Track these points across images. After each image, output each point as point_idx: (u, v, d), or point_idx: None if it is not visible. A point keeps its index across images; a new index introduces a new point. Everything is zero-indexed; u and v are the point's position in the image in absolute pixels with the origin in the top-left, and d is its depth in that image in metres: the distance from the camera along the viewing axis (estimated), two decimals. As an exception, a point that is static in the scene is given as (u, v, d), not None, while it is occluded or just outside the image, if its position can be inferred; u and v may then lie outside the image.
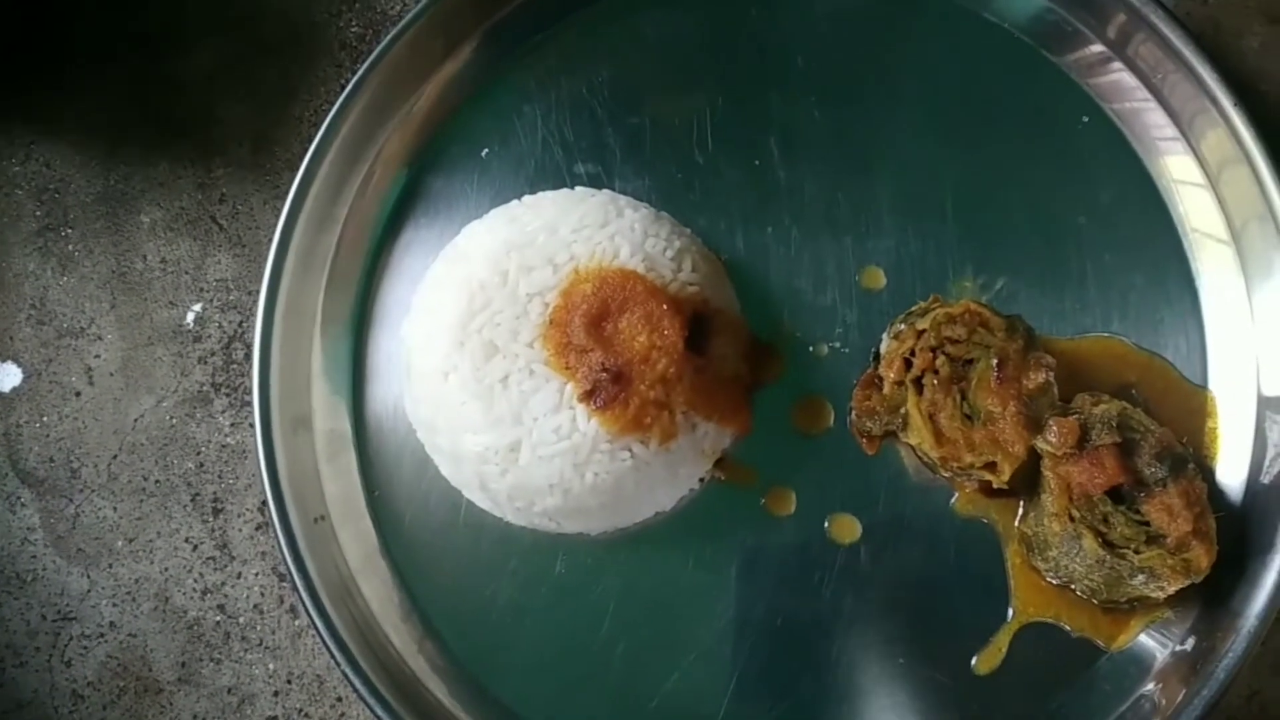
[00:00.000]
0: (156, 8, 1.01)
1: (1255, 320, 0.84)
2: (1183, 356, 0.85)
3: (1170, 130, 0.87)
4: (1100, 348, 0.86)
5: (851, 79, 0.91)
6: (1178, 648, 0.80)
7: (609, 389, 0.78)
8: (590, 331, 0.79)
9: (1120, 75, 0.88)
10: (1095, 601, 0.81)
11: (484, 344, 0.81)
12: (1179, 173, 0.87)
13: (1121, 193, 0.88)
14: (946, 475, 0.84)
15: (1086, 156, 0.88)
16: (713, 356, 0.81)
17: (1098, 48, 0.88)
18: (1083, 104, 0.89)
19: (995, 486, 0.81)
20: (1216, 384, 0.85)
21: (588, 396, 0.78)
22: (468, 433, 0.81)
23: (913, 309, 0.85)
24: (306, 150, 0.89)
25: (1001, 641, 0.82)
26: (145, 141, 0.99)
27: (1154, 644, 0.81)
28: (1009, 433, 0.79)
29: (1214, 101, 0.83)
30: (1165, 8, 0.84)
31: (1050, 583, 0.82)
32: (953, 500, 0.85)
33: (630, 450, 0.80)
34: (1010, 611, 0.83)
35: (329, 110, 0.90)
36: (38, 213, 0.99)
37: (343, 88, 0.92)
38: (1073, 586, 0.81)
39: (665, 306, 0.79)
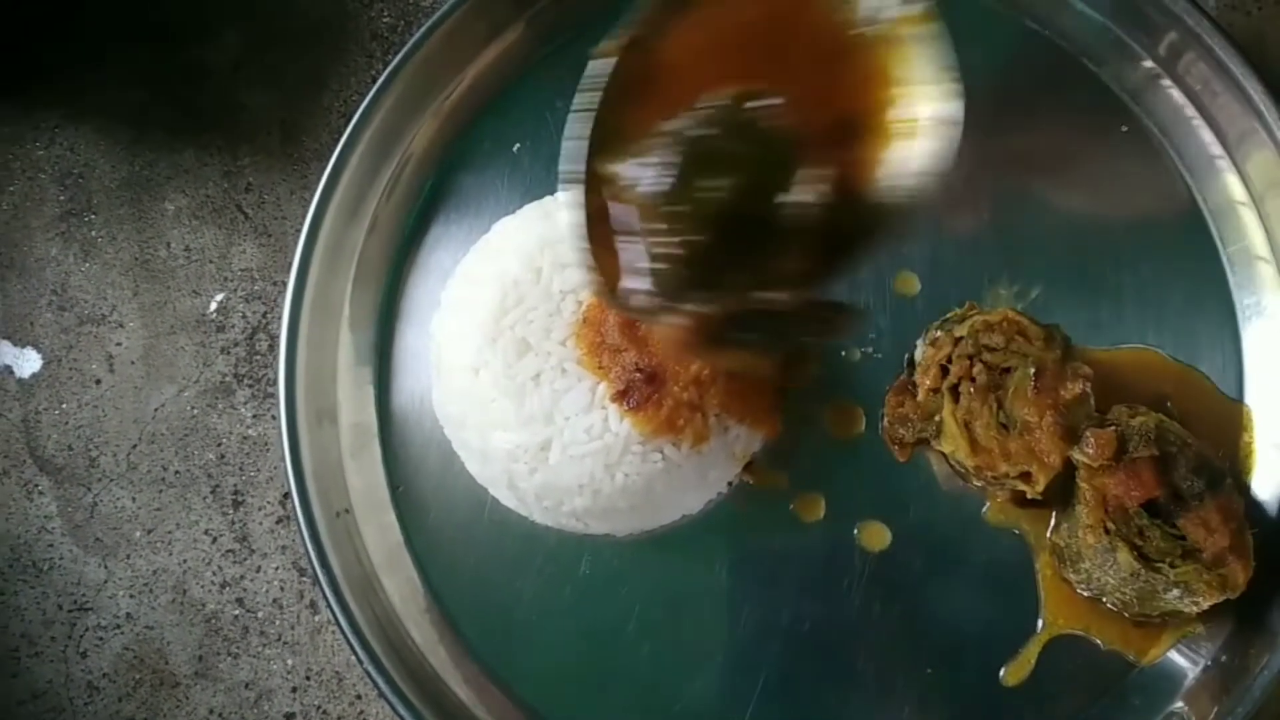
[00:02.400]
0: (181, -3, 1.00)
1: (1294, 331, 0.83)
2: (1218, 369, 0.85)
3: (1216, 149, 0.86)
4: (1135, 359, 0.85)
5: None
6: (1209, 664, 0.80)
7: (643, 389, 0.77)
8: (624, 330, 0.78)
9: (1169, 92, 0.87)
10: (1126, 615, 0.80)
11: (516, 341, 0.80)
12: (1223, 191, 0.86)
13: (1160, 203, 0.87)
14: (979, 484, 0.83)
15: (1125, 166, 0.88)
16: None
17: (1147, 64, 0.88)
18: (1122, 112, 0.88)
19: (1029, 497, 0.80)
20: (1253, 398, 0.84)
21: (621, 397, 0.78)
22: (497, 430, 0.80)
23: (949, 315, 0.84)
24: (335, 140, 0.88)
25: (1031, 653, 0.82)
26: (171, 128, 0.98)
27: (1185, 660, 0.80)
28: (1045, 443, 0.78)
29: (1262, 122, 0.82)
30: (1218, 25, 0.83)
31: (1081, 595, 0.81)
32: (984, 509, 0.84)
33: (662, 452, 0.79)
34: (1040, 623, 0.82)
35: (359, 101, 0.89)
36: (61, 197, 0.98)
37: (373, 79, 0.91)
38: (1104, 599, 0.80)
39: (701, 307, 0.78)
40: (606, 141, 0.57)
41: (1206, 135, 0.86)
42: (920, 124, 0.58)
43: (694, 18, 0.57)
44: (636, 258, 0.58)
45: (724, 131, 0.52)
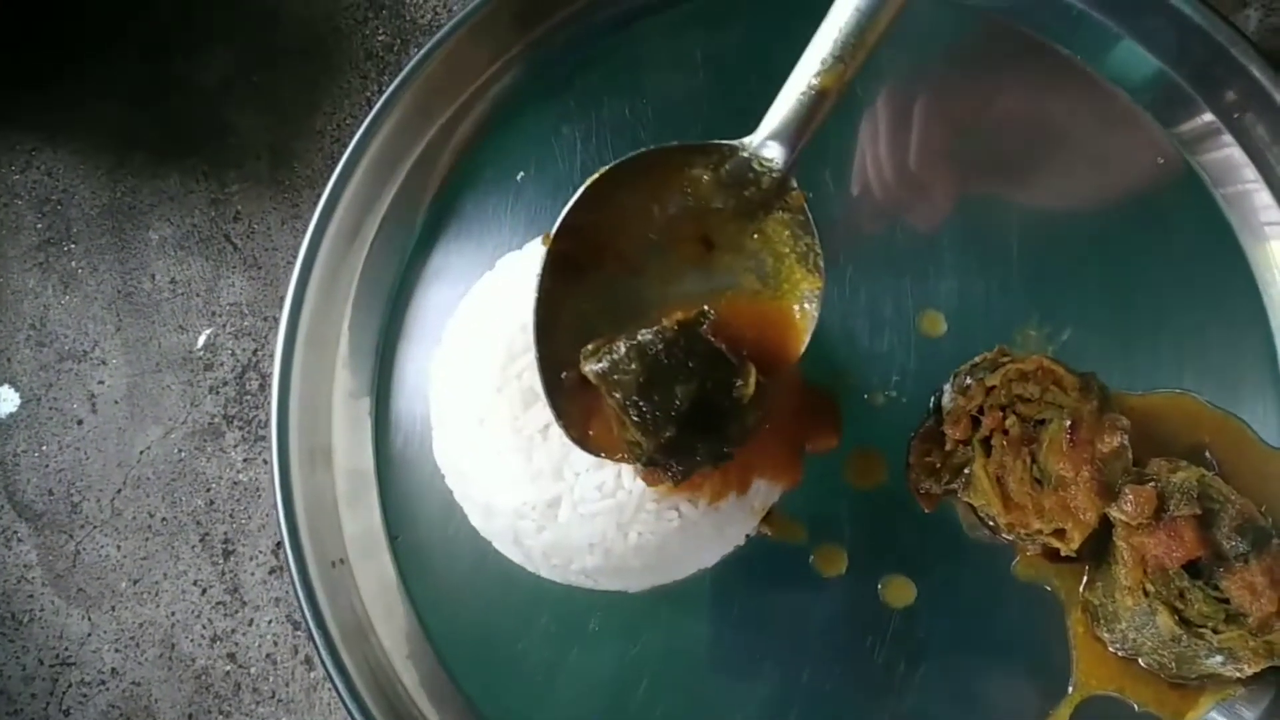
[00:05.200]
0: (165, 9, 0.94)
1: (1337, 381, 0.80)
2: (1259, 417, 0.81)
3: (1269, 206, 0.82)
4: (1172, 405, 0.81)
5: (911, 110, 0.85)
6: (1251, 731, 0.76)
7: (658, 445, 0.73)
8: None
9: (1229, 149, 0.83)
10: (1163, 676, 0.77)
11: (523, 391, 0.75)
12: (1268, 240, 0.82)
13: (1197, 244, 0.83)
14: (1009, 538, 0.79)
15: (1162, 204, 0.84)
16: (769, 411, 0.76)
17: (1207, 116, 0.83)
18: (1157, 146, 0.84)
19: (1063, 554, 0.76)
20: (1295, 447, 0.80)
21: (635, 452, 0.73)
22: (503, 485, 0.76)
23: (978, 361, 0.80)
24: (328, 166, 0.84)
25: (1062, 715, 0.78)
26: (155, 151, 0.93)
27: (1224, 723, 0.77)
28: (1081, 499, 0.74)
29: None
30: (1261, 51, 0.78)
31: (1115, 654, 0.78)
32: (1013, 563, 0.80)
33: (678, 510, 0.75)
34: (1072, 683, 0.78)
35: (353, 124, 0.85)
36: (38, 225, 0.93)
37: (368, 100, 0.87)
38: (1140, 659, 0.77)
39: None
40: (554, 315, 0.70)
41: (1265, 198, 0.82)
42: (802, 309, 0.72)
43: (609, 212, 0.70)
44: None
45: (675, 352, 0.66)
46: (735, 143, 0.70)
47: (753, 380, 0.67)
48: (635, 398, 0.65)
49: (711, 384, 0.66)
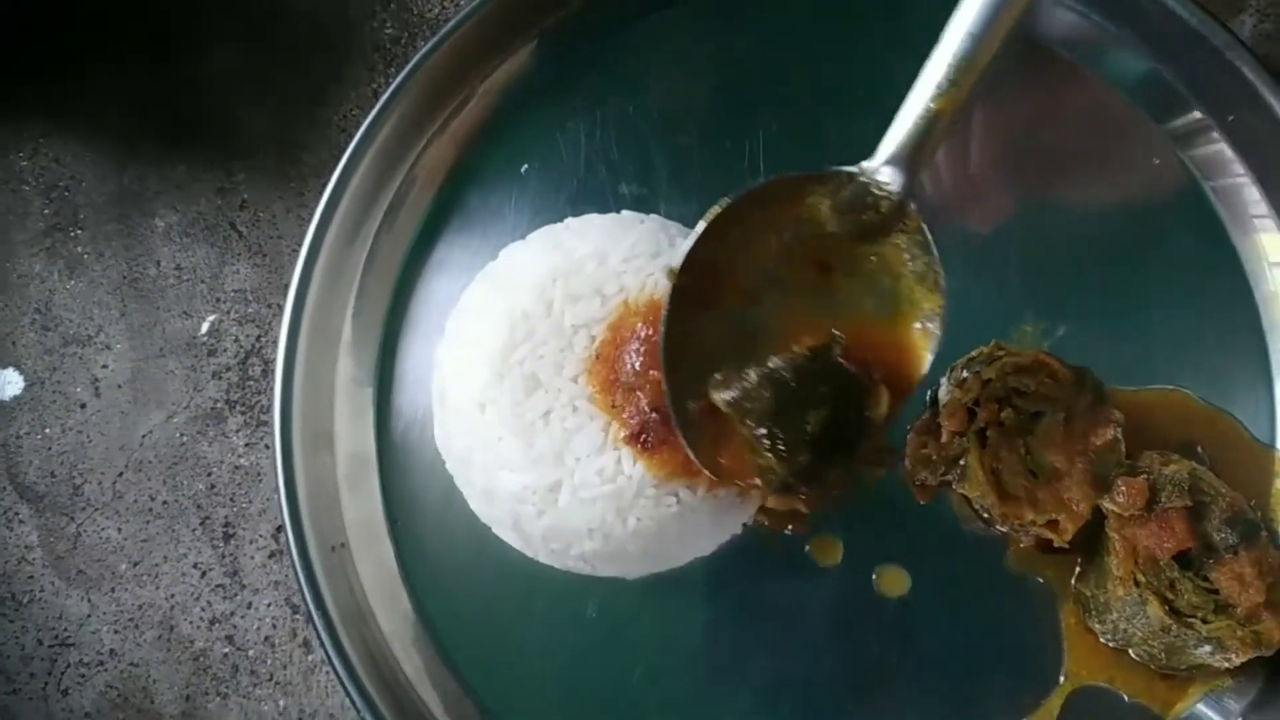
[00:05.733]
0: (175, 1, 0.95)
1: (1328, 379, 0.81)
2: (1250, 413, 0.82)
3: (1262, 208, 0.83)
4: (1165, 401, 0.82)
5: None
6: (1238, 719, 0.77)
7: (659, 431, 0.74)
8: (640, 369, 0.74)
9: (1218, 145, 0.84)
10: (1153, 667, 0.78)
11: (525, 377, 0.76)
12: (1261, 240, 0.83)
13: (1190, 241, 0.84)
14: (1003, 529, 0.80)
15: (1158, 203, 0.85)
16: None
17: (1197, 114, 0.84)
18: (1156, 145, 0.85)
19: (1056, 545, 0.77)
20: (1286, 443, 0.81)
21: (635, 438, 0.74)
22: (504, 470, 0.77)
23: (975, 355, 0.81)
24: (334, 156, 0.85)
25: (1053, 705, 0.79)
26: (162, 141, 0.94)
27: (1213, 715, 0.78)
28: (1075, 491, 0.76)
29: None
30: (1257, 56, 0.79)
31: (1106, 645, 0.79)
32: (1006, 555, 0.81)
33: (677, 496, 0.76)
34: (1063, 673, 0.79)
35: (359, 115, 0.86)
36: (46, 211, 0.94)
37: (375, 92, 0.88)
38: (1130, 650, 0.78)
39: (722, 345, 0.75)
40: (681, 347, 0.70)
41: (1254, 193, 0.83)
42: (924, 327, 0.73)
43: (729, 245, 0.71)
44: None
45: (806, 377, 0.67)
46: (852, 169, 0.70)
47: (885, 401, 0.68)
48: (768, 425, 0.66)
49: (843, 407, 0.67)
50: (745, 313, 0.71)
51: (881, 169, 0.70)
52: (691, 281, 0.70)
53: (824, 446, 0.67)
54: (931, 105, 0.67)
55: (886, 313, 0.72)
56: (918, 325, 0.72)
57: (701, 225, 0.70)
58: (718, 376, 0.68)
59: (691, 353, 0.70)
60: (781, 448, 0.67)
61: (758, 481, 0.70)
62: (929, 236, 0.70)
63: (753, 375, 0.66)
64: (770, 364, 0.66)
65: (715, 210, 0.70)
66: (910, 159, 0.68)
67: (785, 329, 0.71)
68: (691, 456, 0.70)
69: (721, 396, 0.67)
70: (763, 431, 0.66)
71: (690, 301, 0.70)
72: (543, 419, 0.76)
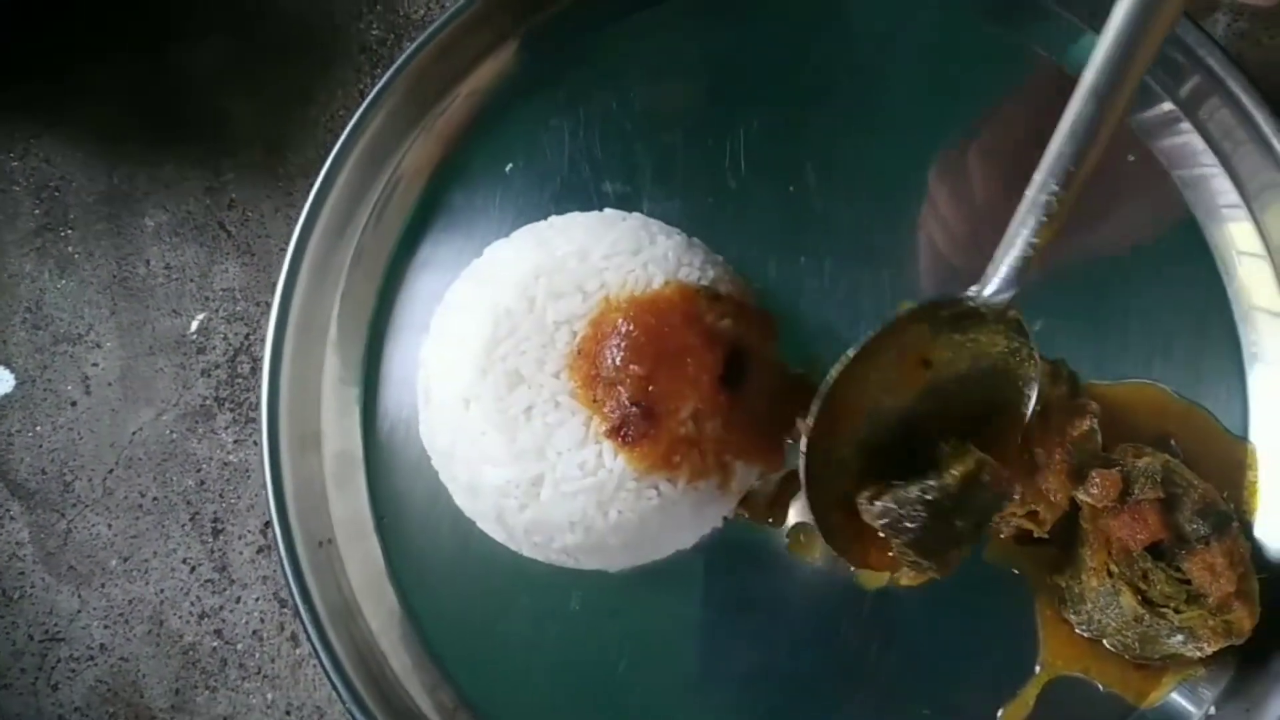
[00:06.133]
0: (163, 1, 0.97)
1: (1299, 371, 0.82)
2: (1223, 405, 0.83)
3: (1233, 197, 0.84)
4: (1139, 394, 0.84)
5: (893, 106, 0.88)
6: (1211, 710, 0.78)
7: (639, 425, 0.75)
8: (620, 364, 0.75)
9: (1188, 136, 0.85)
10: (1127, 657, 0.79)
11: (508, 373, 0.77)
12: (1234, 234, 0.84)
13: (1167, 238, 0.85)
14: (981, 522, 0.81)
15: (1133, 199, 0.86)
16: (747, 392, 0.78)
17: (1166, 105, 0.86)
18: (1128, 144, 0.86)
19: (1035, 536, 0.78)
20: (1258, 435, 0.82)
21: (615, 432, 0.75)
22: (487, 465, 0.78)
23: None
24: (321, 156, 0.86)
25: (1029, 695, 0.80)
26: (151, 141, 0.95)
27: (1186, 703, 0.79)
28: (1052, 482, 0.76)
29: (1274, 160, 0.79)
30: (1230, 56, 0.81)
31: (1081, 636, 0.80)
32: (983, 547, 0.82)
33: (657, 489, 0.77)
34: (1039, 664, 0.80)
35: (346, 115, 0.87)
36: (36, 211, 0.95)
37: (361, 92, 0.89)
38: (1105, 641, 0.79)
39: (701, 340, 0.76)
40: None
41: (1224, 183, 0.84)
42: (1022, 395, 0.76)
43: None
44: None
45: (956, 497, 0.71)
46: (962, 296, 0.73)
47: (1017, 496, 0.74)
48: (919, 539, 0.71)
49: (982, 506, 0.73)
50: (868, 423, 0.74)
51: (993, 295, 0.72)
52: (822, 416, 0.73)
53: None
54: (1035, 241, 0.69)
55: (991, 396, 0.75)
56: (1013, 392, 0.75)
57: (833, 374, 0.72)
58: (864, 498, 0.72)
59: (826, 468, 0.74)
60: (931, 551, 0.72)
61: (903, 569, 0.75)
62: (1025, 324, 0.73)
63: (912, 493, 0.71)
64: (925, 491, 0.70)
65: (848, 356, 0.72)
66: (1015, 281, 0.71)
67: (909, 430, 0.74)
68: (837, 555, 0.75)
69: (875, 521, 0.72)
70: (912, 543, 0.71)
71: (820, 422, 0.73)
72: (525, 414, 0.77)
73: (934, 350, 0.75)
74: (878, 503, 0.72)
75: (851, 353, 0.72)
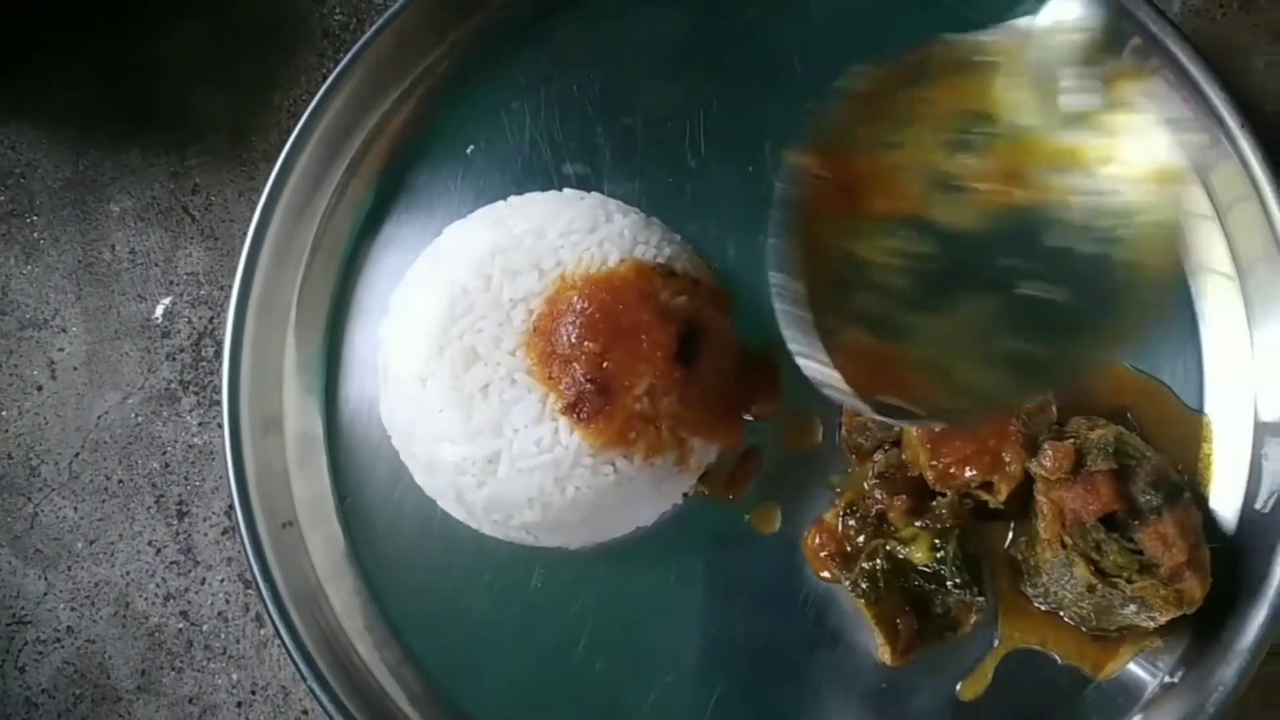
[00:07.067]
0: (129, -13, 0.97)
1: (1255, 344, 0.82)
2: (1180, 380, 0.83)
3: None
4: (1100, 371, 0.84)
5: (850, 85, 0.88)
6: (1167, 679, 0.79)
7: (594, 401, 0.75)
8: (576, 341, 0.76)
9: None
10: (1084, 629, 0.79)
11: (464, 351, 0.78)
12: (1184, 201, 0.84)
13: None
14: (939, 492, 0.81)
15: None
16: (703, 369, 0.78)
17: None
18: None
19: (991, 507, 0.79)
20: (1213, 408, 0.83)
21: (571, 409, 0.76)
22: (445, 442, 0.78)
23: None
24: (284, 141, 0.86)
25: (987, 668, 0.81)
26: (116, 127, 0.96)
27: (1143, 673, 0.80)
28: (1007, 452, 0.77)
29: (1227, 134, 0.80)
30: (1183, 34, 0.81)
31: (1039, 609, 0.80)
32: (941, 522, 0.82)
33: (614, 465, 0.77)
34: (996, 637, 0.81)
35: (309, 100, 0.87)
36: (1, 198, 0.95)
37: (324, 78, 0.89)
38: (1061, 613, 0.79)
39: (656, 317, 0.76)
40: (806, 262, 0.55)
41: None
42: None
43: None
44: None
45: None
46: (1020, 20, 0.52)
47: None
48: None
49: None
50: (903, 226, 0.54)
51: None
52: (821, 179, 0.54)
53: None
54: None
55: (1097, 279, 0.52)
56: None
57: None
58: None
59: (834, 266, 0.55)
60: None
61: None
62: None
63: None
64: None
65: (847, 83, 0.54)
66: None
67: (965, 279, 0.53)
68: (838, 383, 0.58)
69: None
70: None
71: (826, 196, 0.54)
72: (481, 391, 0.77)
73: (1029, 159, 0.51)
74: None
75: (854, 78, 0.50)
